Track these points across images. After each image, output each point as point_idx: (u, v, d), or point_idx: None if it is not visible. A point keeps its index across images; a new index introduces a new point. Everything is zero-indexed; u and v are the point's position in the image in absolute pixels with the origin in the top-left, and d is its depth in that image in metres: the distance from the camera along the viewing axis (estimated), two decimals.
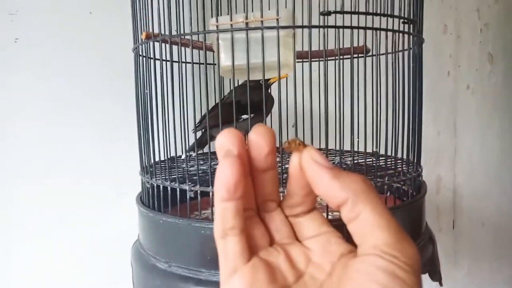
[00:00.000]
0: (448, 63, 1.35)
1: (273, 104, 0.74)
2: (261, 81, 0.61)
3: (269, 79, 0.72)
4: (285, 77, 0.67)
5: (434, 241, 0.62)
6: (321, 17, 0.49)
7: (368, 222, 0.23)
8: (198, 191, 0.51)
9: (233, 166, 0.23)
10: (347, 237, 0.25)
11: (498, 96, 1.48)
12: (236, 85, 0.67)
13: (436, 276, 0.59)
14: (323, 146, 0.52)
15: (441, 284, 0.63)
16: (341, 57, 0.54)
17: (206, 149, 0.78)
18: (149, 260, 0.56)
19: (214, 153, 0.78)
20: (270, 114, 0.77)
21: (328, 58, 0.49)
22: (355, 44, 0.51)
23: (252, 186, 0.27)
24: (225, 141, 0.25)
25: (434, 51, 1.29)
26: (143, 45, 0.58)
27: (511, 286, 1.56)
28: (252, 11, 0.49)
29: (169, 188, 0.55)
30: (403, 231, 0.23)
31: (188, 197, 0.52)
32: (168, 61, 0.54)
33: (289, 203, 0.28)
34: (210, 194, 0.51)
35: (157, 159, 0.59)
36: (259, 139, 0.25)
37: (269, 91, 0.77)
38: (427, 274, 0.59)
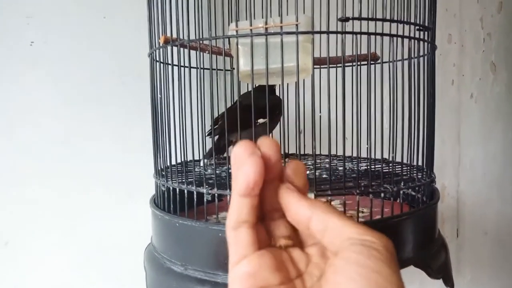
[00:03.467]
0: (452, 72, 1.36)
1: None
2: (279, 85, 0.62)
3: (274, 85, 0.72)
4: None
5: (447, 247, 0.62)
6: (339, 23, 0.50)
7: (337, 226, 0.26)
8: (216, 194, 0.52)
9: (257, 165, 0.25)
10: None
11: (501, 105, 1.49)
12: (248, 90, 0.67)
13: (449, 282, 0.60)
14: (340, 152, 0.53)
15: (452, 286, 0.63)
16: (350, 64, 0.54)
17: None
18: (164, 263, 0.56)
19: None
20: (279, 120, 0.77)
21: (335, 65, 0.50)
22: (372, 51, 0.52)
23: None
24: (246, 148, 0.26)
25: (438, 60, 1.29)
26: (159, 49, 0.59)
27: None
28: (271, 16, 0.50)
29: (185, 191, 0.55)
30: (369, 227, 0.26)
31: (205, 200, 0.52)
32: (186, 67, 0.54)
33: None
34: (228, 197, 0.51)
35: (173, 162, 0.59)
36: (265, 150, 0.27)
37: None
38: (441, 279, 0.59)
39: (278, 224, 0.29)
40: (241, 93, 0.61)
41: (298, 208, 0.27)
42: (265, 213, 0.29)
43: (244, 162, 0.26)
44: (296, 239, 0.30)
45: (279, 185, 0.28)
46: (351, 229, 0.25)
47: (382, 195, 0.52)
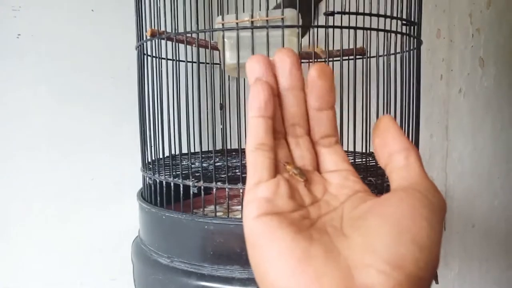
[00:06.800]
0: (441, 67, 1.37)
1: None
2: None
3: None
4: None
5: None
6: (325, 17, 0.50)
7: (416, 171, 0.26)
8: (202, 187, 0.52)
9: (263, 87, 0.27)
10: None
11: (489, 100, 1.50)
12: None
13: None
14: None
15: (436, 282, 0.64)
16: (337, 59, 0.55)
17: (206, 148, 0.78)
18: (150, 256, 0.57)
19: (218, 151, 0.79)
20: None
21: (323, 60, 0.50)
22: (358, 45, 0.53)
23: (280, 110, 0.29)
24: (255, 66, 0.28)
25: (427, 55, 1.31)
26: (147, 42, 0.59)
27: (500, 286, 1.58)
28: (259, 10, 0.50)
29: (172, 184, 0.55)
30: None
31: (191, 193, 0.53)
32: (173, 60, 0.55)
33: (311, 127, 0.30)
34: (214, 189, 0.52)
35: (159, 156, 0.59)
36: (282, 55, 0.28)
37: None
38: None
39: (299, 143, 0.29)
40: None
41: (401, 135, 0.27)
42: (287, 130, 0.29)
43: (252, 85, 0.27)
44: (317, 162, 0.30)
45: (301, 95, 0.29)
46: (424, 180, 0.25)
47: None
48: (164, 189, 0.56)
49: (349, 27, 0.51)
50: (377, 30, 0.52)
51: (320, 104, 0.28)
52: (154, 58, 0.58)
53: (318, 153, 0.30)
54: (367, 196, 0.27)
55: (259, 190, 0.27)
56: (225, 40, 0.52)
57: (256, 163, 0.27)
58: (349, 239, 0.24)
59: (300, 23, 0.49)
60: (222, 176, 0.56)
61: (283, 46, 0.47)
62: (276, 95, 0.28)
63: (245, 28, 0.49)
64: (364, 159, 0.60)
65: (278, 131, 0.29)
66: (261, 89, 0.26)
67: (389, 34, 0.54)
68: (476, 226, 1.51)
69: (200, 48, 0.56)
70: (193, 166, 0.63)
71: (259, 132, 0.27)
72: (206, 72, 0.57)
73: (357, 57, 0.54)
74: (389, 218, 0.23)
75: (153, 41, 0.57)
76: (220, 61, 0.70)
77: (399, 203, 0.24)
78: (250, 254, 0.25)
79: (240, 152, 0.49)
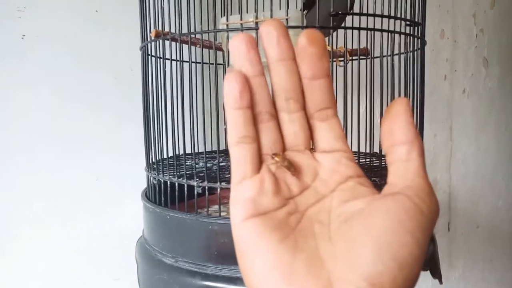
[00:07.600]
0: (444, 67, 1.37)
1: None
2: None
3: None
4: None
5: (435, 240, 0.63)
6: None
7: (415, 168, 0.24)
8: (206, 187, 0.52)
9: (236, 79, 0.25)
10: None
11: (493, 100, 1.50)
12: None
13: (437, 274, 0.60)
14: None
15: (440, 282, 0.64)
16: (341, 59, 0.55)
17: (211, 147, 0.78)
18: (155, 256, 0.57)
19: (222, 151, 0.79)
20: None
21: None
22: (360, 46, 0.53)
23: (267, 88, 0.27)
24: (238, 46, 0.26)
25: (431, 55, 1.31)
26: (151, 43, 0.59)
27: (504, 286, 1.58)
28: (263, 11, 0.50)
29: (176, 184, 0.55)
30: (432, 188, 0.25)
31: (195, 193, 0.53)
32: (178, 60, 0.55)
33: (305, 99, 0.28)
34: (218, 190, 0.52)
35: (164, 155, 0.59)
36: (268, 27, 0.26)
37: None
38: (428, 271, 0.60)
39: (293, 120, 0.28)
40: None
41: (408, 125, 0.25)
42: (280, 106, 0.28)
43: (226, 77, 0.26)
44: (309, 139, 0.28)
45: (292, 66, 0.27)
46: (420, 182, 0.24)
47: None
48: (169, 189, 0.56)
49: (352, 28, 0.51)
50: (381, 30, 0.52)
51: (313, 72, 0.27)
52: (158, 59, 0.58)
53: (313, 128, 0.28)
54: (357, 186, 0.27)
55: (243, 189, 0.26)
56: (229, 40, 0.52)
57: (239, 158, 0.26)
58: (334, 247, 0.24)
59: (305, 23, 0.49)
60: (226, 176, 0.56)
61: None
62: (261, 75, 0.27)
63: (249, 28, 0.49)
64: (368, 159, 0.60)
65: (266, 112, 0.27)
66: (234, 80, 0.25)
67: (393, 34, 0.54)
68: (480, 227, 1.51)
69: (204, 49, 0.56)
70: (197, 166, 0.63)
71: (239, 125, 0.26)
72: (210, 73, 0.57)
73: (361, 57, 0.54)
74: (373, 232, 0.23)
75: (158, 41, 0.57)
76: (224, 62, 0.71)
77: (386, 214, 0.23)
78: (238, 259, 0.25)
79: None
